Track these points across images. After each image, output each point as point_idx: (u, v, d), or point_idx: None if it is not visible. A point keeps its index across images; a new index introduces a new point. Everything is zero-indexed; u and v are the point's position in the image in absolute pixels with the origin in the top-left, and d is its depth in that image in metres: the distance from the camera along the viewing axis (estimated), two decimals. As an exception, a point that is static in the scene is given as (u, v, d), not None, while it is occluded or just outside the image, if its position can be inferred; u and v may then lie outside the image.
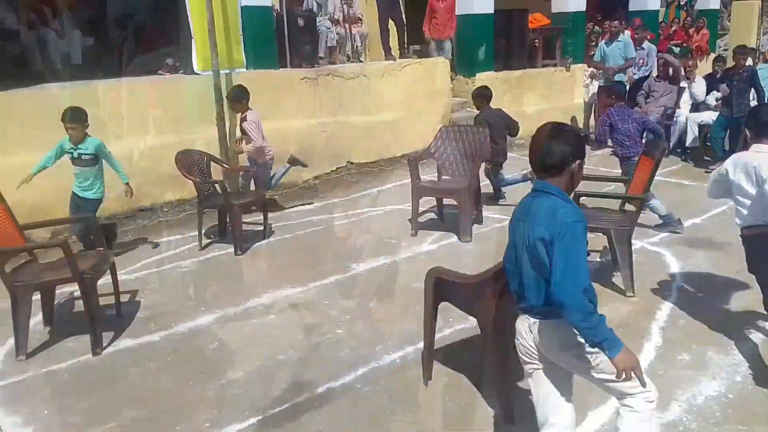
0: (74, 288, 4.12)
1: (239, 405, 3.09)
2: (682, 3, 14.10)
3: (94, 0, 8.53)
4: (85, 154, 4.71)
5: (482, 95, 6.30)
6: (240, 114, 5.94)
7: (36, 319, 3.87)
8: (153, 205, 6.32)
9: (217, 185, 5.36)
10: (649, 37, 10.12)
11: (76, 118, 4.63)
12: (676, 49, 12.12)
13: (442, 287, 3.06)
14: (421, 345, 3.41)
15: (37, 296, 3.80)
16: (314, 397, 3.15)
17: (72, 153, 4.72)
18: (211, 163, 5.78)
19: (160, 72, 7.07)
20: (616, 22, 9.48)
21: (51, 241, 3.69)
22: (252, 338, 3.79)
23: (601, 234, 4.50)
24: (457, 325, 3.77)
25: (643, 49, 9.53)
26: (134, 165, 6.11)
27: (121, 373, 3.43)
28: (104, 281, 3.91)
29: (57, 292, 4.07)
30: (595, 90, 9.78)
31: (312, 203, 6.75)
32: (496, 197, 6.42)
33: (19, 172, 4.63)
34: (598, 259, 4.90)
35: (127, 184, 4.99)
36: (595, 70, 9.65)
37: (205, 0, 6.43)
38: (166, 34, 7.26)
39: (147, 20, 8.45)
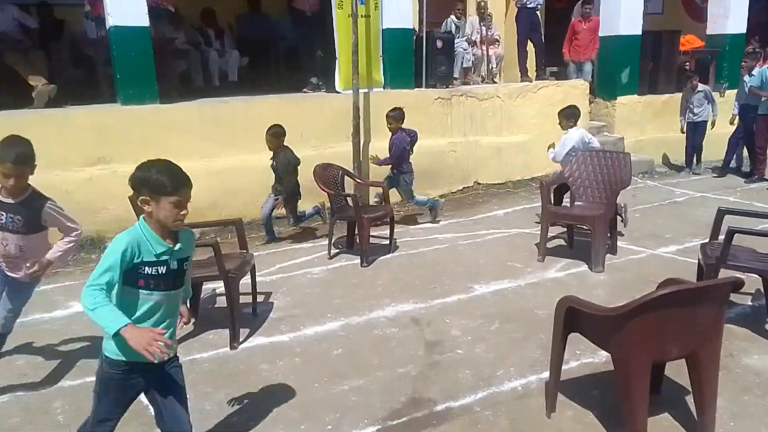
0: (218, 285, 4.49)
1: (359, 412, 3.18)
2: None
3: (251, 22, 9.28)
4: None
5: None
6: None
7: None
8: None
9: (349, 198, 5.59)
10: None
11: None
12: None
13: (575, 317, 2.92)
14: (544, 375, 3.31)
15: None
16: (432, 414, 3.16)
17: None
18: (345, 177, 6.05)
19: (305, 90, 7.53)
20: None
21: (203, 241, 4.03)
22: (374, 348, 3.89)
23: (755, 276, 4.10)
24: (585, 358, 3.61)
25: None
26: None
27: (253, 368, 3.67)
28: (244, 281, 4.21)
29: (203, 287, 4.45)
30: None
31: (438, 221, 6.80)
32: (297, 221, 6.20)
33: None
34: (750, 303, 4.45)
35: None
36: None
37: (352, 23, 6.78)
38: (312, 55, 7.72)
39: (296, 42, 9.06)
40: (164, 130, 6.16)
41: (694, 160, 9.05)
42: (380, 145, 7.19)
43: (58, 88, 6.32)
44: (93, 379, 3.52)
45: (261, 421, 3.13)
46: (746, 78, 8.58)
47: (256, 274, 4.50)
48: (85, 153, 5.89)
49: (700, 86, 8.65)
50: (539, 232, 5.51)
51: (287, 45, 9.08)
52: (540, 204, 5.58)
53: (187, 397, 3.35)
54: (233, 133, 6.49)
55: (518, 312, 4.39)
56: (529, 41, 8.95)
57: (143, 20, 6.10)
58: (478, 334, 4.05)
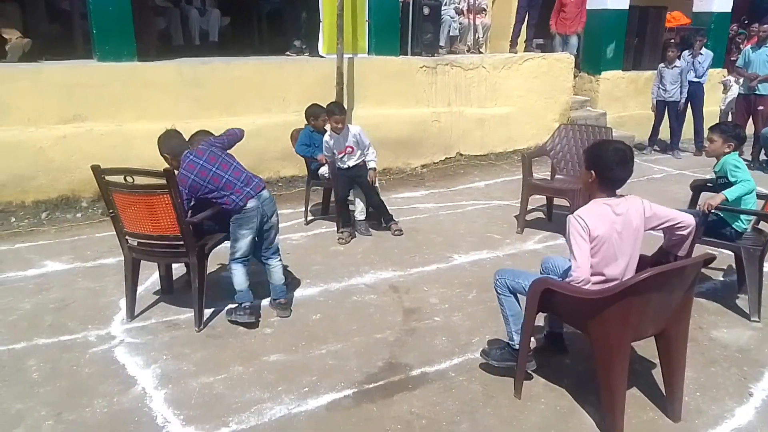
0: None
1: (336, 376, 3.21)
2: None
3: (233, -19, 9.03)
4: None
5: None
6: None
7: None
8: (269, 178, 6.66)
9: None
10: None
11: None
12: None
13: (550, 298, 2.87)
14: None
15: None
16: (408, 378, 3.21)
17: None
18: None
19: (288, 53, 7.39)
20: (765, 26, 8.67)
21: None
22: (352, 314, 3.92)
23: (727, 251, 4.18)
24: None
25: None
26: (256, 139, 6.48)
27: (231, 331, 3.67)
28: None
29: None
30: (732, 97, 9.03)
31: (419, 191, 6.80)
32: None
33: (151, 137, 4.70)
34: (721, 278, 4.56)
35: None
36: (731, 77, 8.91)
37: (336, -15, 6.64)
38: (296, 17, 7.56)
39: (279, 3, 8.85)
40: (142, 89, 6.01)
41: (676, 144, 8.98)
42: (363, 112, 7.14)
43: (33, 42, 6.10)
44: (67, 337, 3.52)
45: (238, 382, 3.15)
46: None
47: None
48: (59, 110, 5.73)
49: (678, 62, 8.57)
50: (519, 205, 5.55)
51: (271, 6, 8.86)
52: (520, 177, 5.59)
53: (164, 358, 3.38)
54: (213, 95, 6.36)
55: (496, 282, 4.43)
56: (527, 13, 8.90)
57: (121, -26, 5.89)
58: (455, 303, 4.10)
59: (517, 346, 3.06)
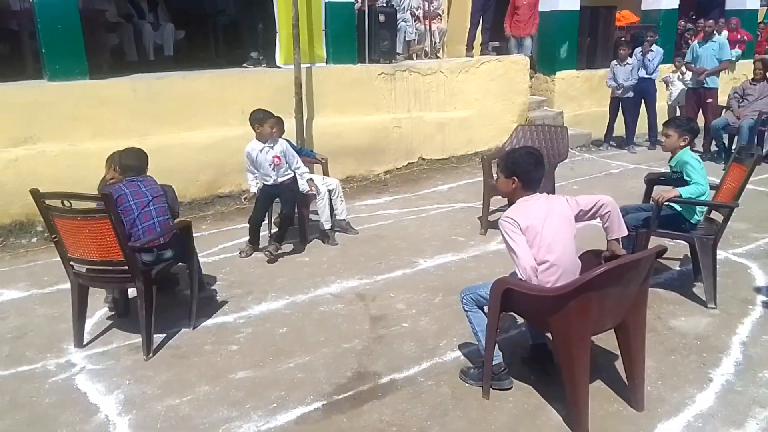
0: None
1: (305, 389, 3.19)
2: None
3: (186, -6, 8.95)
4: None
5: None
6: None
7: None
8: (231, 192, 6.60)
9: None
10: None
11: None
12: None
13: (511, 298, 2.93)
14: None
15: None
16: (377, 386, 3.21)
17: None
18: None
19: (245, 65, 7.34)
20: (711, 21, 9.00)
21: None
22: (319, 325, 3.90)
23: (683, 242, 4.31)
24: (524, 326, 3.72)
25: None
26: (216, 153, 6.42)
27: (196, 350, 3.62)
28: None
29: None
30: (677, 93, 9.31)
31: (382, 197, 6.82)
32: None
33: (106, 156, 4.37)
34: (678, 268, 4.69)
35: None
36: (671, 74, 9.21)
37: (291, -5, 6.62)
38: (253, 28, 7.52)
39: (236, 15, 8.80)
40: (95, 108, 5.88)
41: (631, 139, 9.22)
42: (324, 121, 7.13)
43: (-22, 63, 5.94)
44: (26, 367, 3.41)
45: (204, 402, 3.10)
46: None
47: (201, 254, 4.41)
48: (10, 132, 5.57)
49: (630, 59, 8.81)
50: (481, 206, 5.62)
51: (226, 18, 8.81)
52: (481, 179, 5.67)
53: (127, 382, 3.30)
54: (169, 109, 6.27)
55: (461, 284, 4.39)
56: (482, 17, 9.03)
57: (69, -9, 5.77)
58: (422, 307, 4.12)
59: (493, 362, 3.09)
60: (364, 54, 7.73)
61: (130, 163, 3.76)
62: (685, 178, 4.07)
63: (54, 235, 3.48)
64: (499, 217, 2.97)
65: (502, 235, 2.90)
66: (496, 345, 3.09)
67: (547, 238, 2.85)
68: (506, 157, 3.07)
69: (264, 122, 4.88)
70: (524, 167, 2.95)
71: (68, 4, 5.76)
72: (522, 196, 2.98)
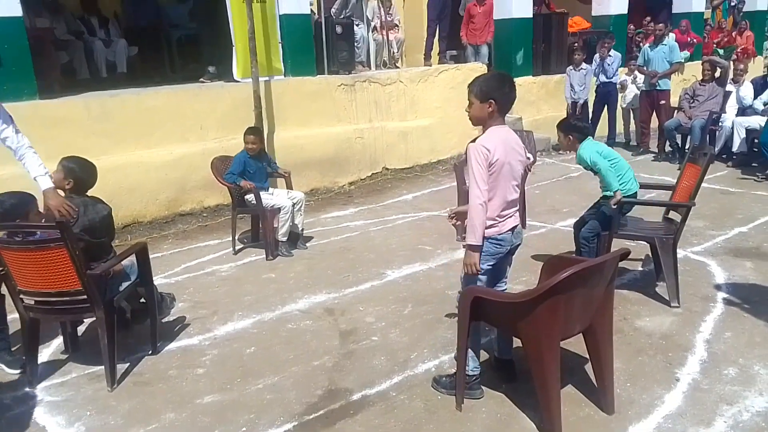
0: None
1: (275, 410, 3.12)
2: (732, 4, 13.68)
3: (138, 10, 8.77)
4: None
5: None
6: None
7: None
8: (193, 210, 6.47)
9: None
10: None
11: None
12: (721, 51, 11.80)
13: (480, 307, 2.93)
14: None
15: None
16: (349, 404, 3.16)
17: None
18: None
19: (201, 80, 7.22)
20: (660, 24, 9.27)
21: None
22: (288, 343, 3.83)
23: (643, 242, 4.39)
24: (494, 334, 3.71)
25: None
26: (176, 170, 6.29)
27: (160, 375, 3.50)
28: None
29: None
30: (631, 96, 9.56)
31: (348, 209, 6.78)
32: None
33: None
34: (640, 269, 4.77)
35: None
36: (626, 77, 9.47)
37: (246, 8, 6.55)
38: (208, 43, 7.42)
39: (191, 29, 8.66)
40: (46, 128, 5.67)
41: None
42: (285, 134, 7.06)
43: None
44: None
45: (170, 431, 2.99)
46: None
47: (161, 275, 4.30)
48: (-45, 157, 5.33)
49: (584, 65, 9.04)
50: (447, 214, 5.60)
51: (180, 33, 8.66)
52: (445, 186, 5.67)
53: (88, 413, 3.16)
54: (124, 128, 6.10)
55: (430, 294, 4.46)
56: (437, 26, 9.11)
57: (15, 9, 5.57)
58: (391, 319, 4.08)
59: (470, 373, 3.08)
60: (323, 65, 7.71)
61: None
62: (595, 171, 4.24)
63: (1, 268, 3.31)
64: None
65: (469, 158, 2.90)
66: (477, 357, 3.09)
67: (510, 173, 2.94)
68: (479, 82, 3.00)
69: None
70: (502, 89, 2.93)
71: (14, 23, 5.57)
72: (496, 123, 2.97)
